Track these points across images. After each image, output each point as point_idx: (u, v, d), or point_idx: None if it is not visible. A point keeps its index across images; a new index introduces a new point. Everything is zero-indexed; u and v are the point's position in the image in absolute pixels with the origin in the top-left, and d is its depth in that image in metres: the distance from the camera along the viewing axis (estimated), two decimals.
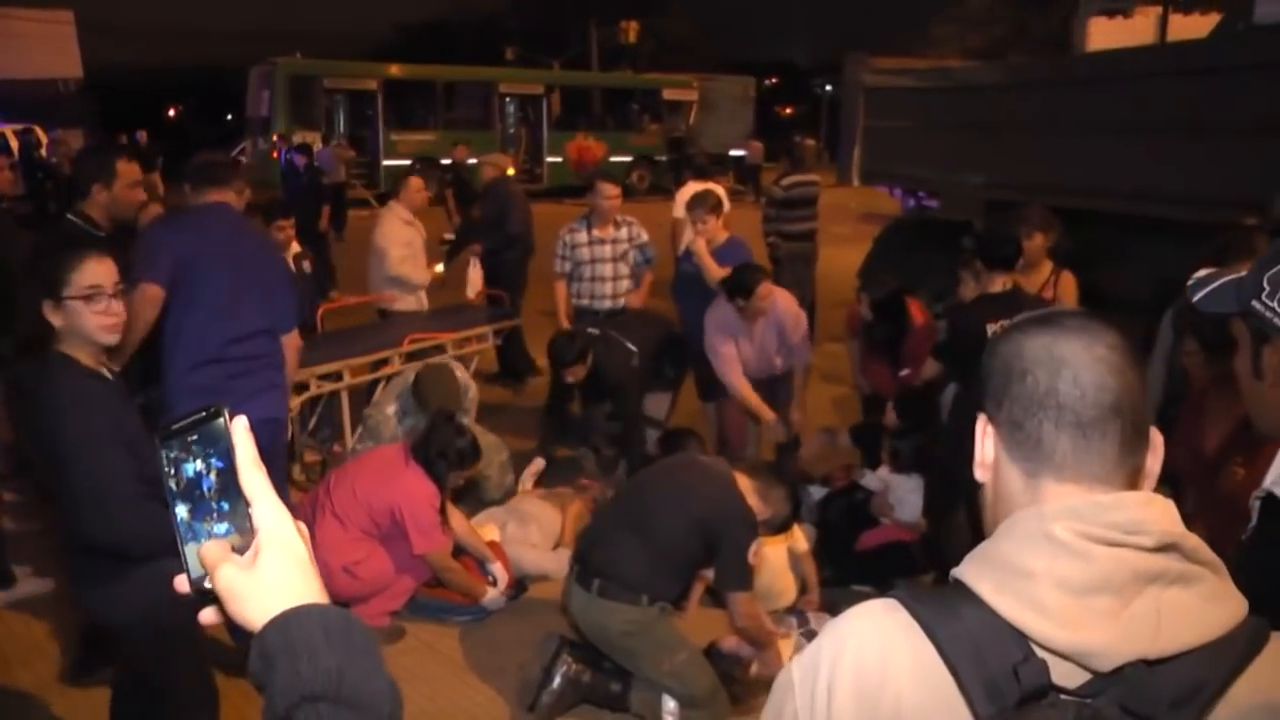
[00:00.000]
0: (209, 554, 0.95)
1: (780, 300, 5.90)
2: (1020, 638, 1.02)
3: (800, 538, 5.06)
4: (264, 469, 0.97)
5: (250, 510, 0.96)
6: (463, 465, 4.84)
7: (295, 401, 6.14)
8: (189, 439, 0.97)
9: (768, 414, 5.86)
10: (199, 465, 0.97)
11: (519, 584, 5.11)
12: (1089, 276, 5.74)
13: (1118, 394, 1.11)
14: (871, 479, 5.72)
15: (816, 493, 5.99)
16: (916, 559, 5.35)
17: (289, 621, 0.92)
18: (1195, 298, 1.72)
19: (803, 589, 5.07)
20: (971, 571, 1.10)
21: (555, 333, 6.21)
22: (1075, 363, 1.11)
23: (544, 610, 4.88)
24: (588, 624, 4.04)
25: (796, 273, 9.45)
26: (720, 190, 9.04)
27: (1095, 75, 7.50)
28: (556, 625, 4.53)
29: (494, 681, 4.31)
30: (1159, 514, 1.06)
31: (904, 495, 5.47)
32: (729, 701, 4.08)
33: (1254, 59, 6.04)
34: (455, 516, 4.98)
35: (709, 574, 4.31)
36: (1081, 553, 1.03)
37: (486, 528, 5.26)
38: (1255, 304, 1.59)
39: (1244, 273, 1.64)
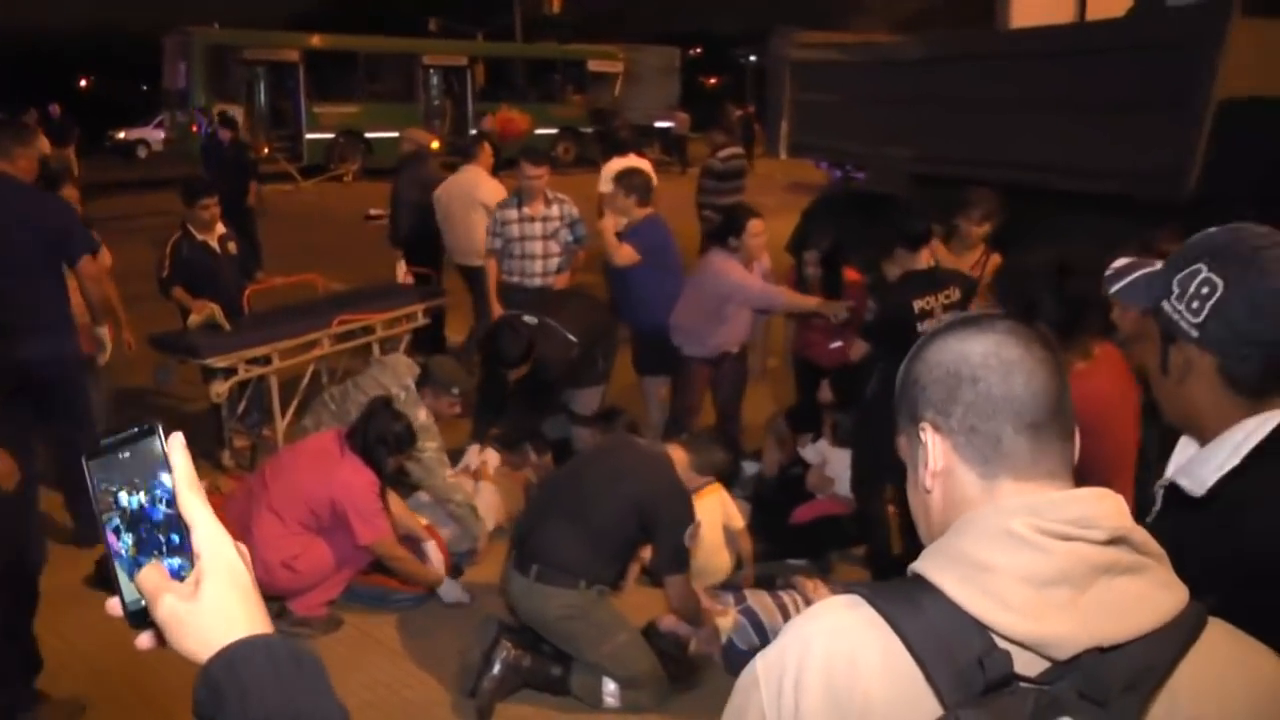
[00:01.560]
0: (147, 581, 0.92)
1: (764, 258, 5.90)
2: (983, 630, 1.05)
3: (736, 514, 5.12)
4: (202, 491, 0.94)
5: (189, 534, 0.93)
6: (400, 450, 4.79)
7: (222, 386, 6.06)
8: (120, 456, 0.94)
9: (832, 305, 5.59)
10: (132, 486, 0.93)
11: (455, 567, 5.11)
12: (1008, 250, 5.86)
13: (1060, 394, 1.17)
14: (811, 451, 5.80)
15: (750, 468, 6.06)
16: (849, 532, 5.44)
17: (235, 655, 0.90)
18: (1113, 288, 1.78)
19: (738, 564, 5.14)
20: (932, 566, 1.13)
21: (497, 324, 5.90)
22: (1023, 366, 1.16)
23: (481, 594, 4.88)
24: (526, 609, 4.06)
25: None
26: (647, 166, 9.05)
27: (1014, 51, 7.59)
28: (493, 609, 4.55)
29: (433, 668, 4.31)
30: (1110, 509, 1.11)
31: (842, 470, 5.55)
32: (669, 680, 4.14)
33: (1168, 38, 6.16)
34: (392, 500, 4.96)
35: (646, 552, 4.35)
36: (1040, 547, 1.07)
37: (422, 514, 5.23)
38: (1165, 305, 1.66)
39: (1159, 266, 1.70)
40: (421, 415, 5.22)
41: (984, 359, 1.18)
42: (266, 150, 20.99)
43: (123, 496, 0.94)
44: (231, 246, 6.85)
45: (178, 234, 6.58)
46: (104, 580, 4.69)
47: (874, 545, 5.14)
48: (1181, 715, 1.07)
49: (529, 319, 5.79)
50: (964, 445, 1.19)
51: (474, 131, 24.09)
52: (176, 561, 0.94)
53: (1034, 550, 1.07)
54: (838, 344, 5.85)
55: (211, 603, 0.92)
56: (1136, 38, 6.53)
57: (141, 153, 30.29)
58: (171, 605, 0.92)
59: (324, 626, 4.54)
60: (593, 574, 3.97)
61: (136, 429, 0.95)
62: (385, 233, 9.48)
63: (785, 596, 4.53)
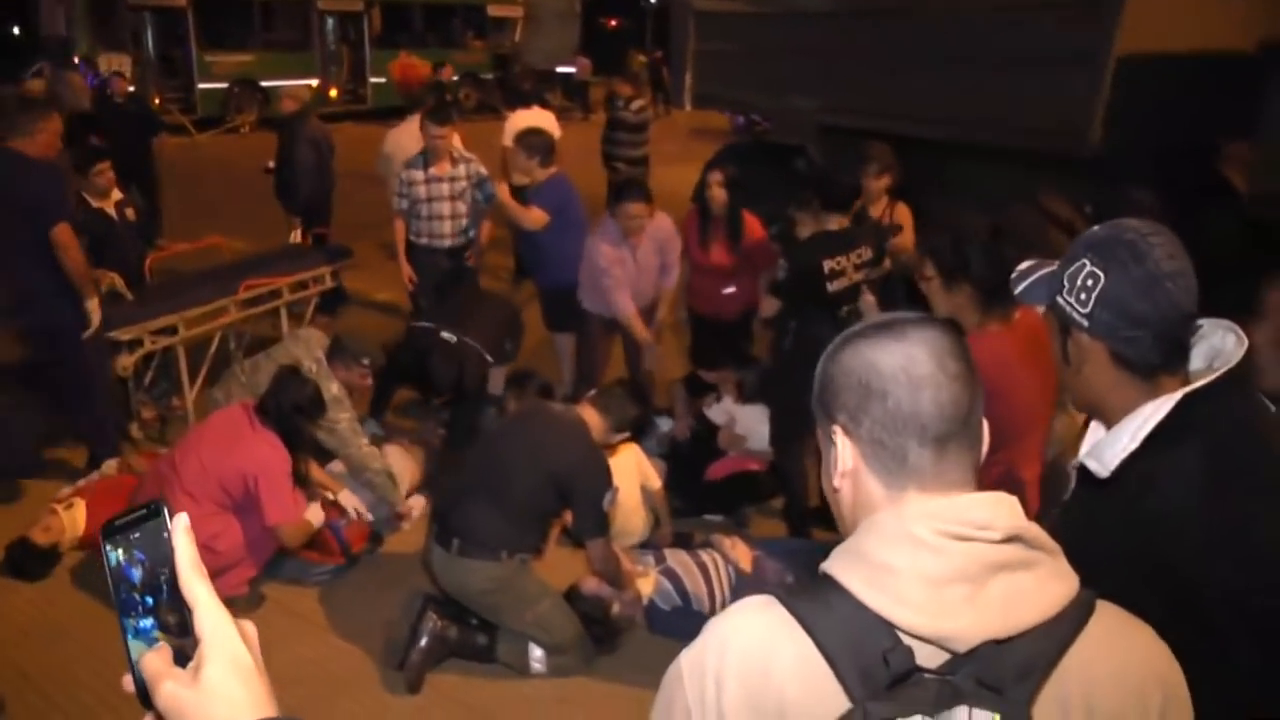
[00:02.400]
0: (149, 667, 0.92)
1: (660, 218, 5.92)
2: (888, 627, 1.12)
3: (652, 474, 5.19)
4: (205, 573, 0.93)
5: (192, 617, 0.92)
6: (313, 416, 4.75)
7: (129, 360, 5.92)
8: (131, 537, 0.93)
9: (648, 339, 5.91)
10: (140, 566, 0.93)
11: (374, 536, 5.10)
12: (915, 202, 5.97)
13: (968, 406, 1.22)
14: (716, 411, 5.88)
15: (664, 424, 6.13)
16: (764, 486, 5.55)
17: None
18: (1017, 290, 1.89)
19: (655, 522, 5.22)
20: (840, 567, 1.19)
21: (424, 337, 5.85)
22: (933, 383, 1.21)
23: (399, 565, 4.91)
24: (449, 582, 4.09)
25: None
26: (551, 119, 8.97)
27: (920, 5, 7.65)
28: (414, 580, 4.58)
29: (359, 642, 4.32)
30: (1005, 511, 1.18)
31: (752, 425, 5.65)
32: (593, 643, 4.21)
33: None
34: (313, 467, 4.95)
35: (566, 514, 4.39)
36: (938, 548, 1.14)
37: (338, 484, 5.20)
38: (1058, 299, 1.79)
39: (1055, 266, 1.81)
40: (334, 388, 5.17)
41: (894, 373, 1.22)
42: (158, 102, 20.21)
43: (134, 573, 0.93)
44: (130, 212, 6.67)
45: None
46: (14, 568, 4.64)
47: (791, 499, 5.25)
48: (1072, 697, 1.15)
49: (448, 336, 5.80)
50: (871, 456, 1.25)
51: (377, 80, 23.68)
52: (164, 631, 0.93)
53: (933, 552, 1.14)
54: (730, 289, 5.91)
55: (212, 688, 0.90)
56: None
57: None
58: (172, 691, 0.91)
59: (246, 605, 4.49)
60: (513, 544, 4.01)
61: (145, 509, 0.93)
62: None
63: (705, 556, 4.62)
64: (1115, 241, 1.72)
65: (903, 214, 5.85)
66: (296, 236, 8.28)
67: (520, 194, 6.72)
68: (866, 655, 1.12)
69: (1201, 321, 1.78)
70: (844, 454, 1.28)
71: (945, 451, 1.21)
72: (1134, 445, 1.71)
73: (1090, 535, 1.73)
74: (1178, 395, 1.69)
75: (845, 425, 1.27)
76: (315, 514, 4.69)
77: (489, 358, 5.91)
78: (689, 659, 1.26)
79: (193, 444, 4.54)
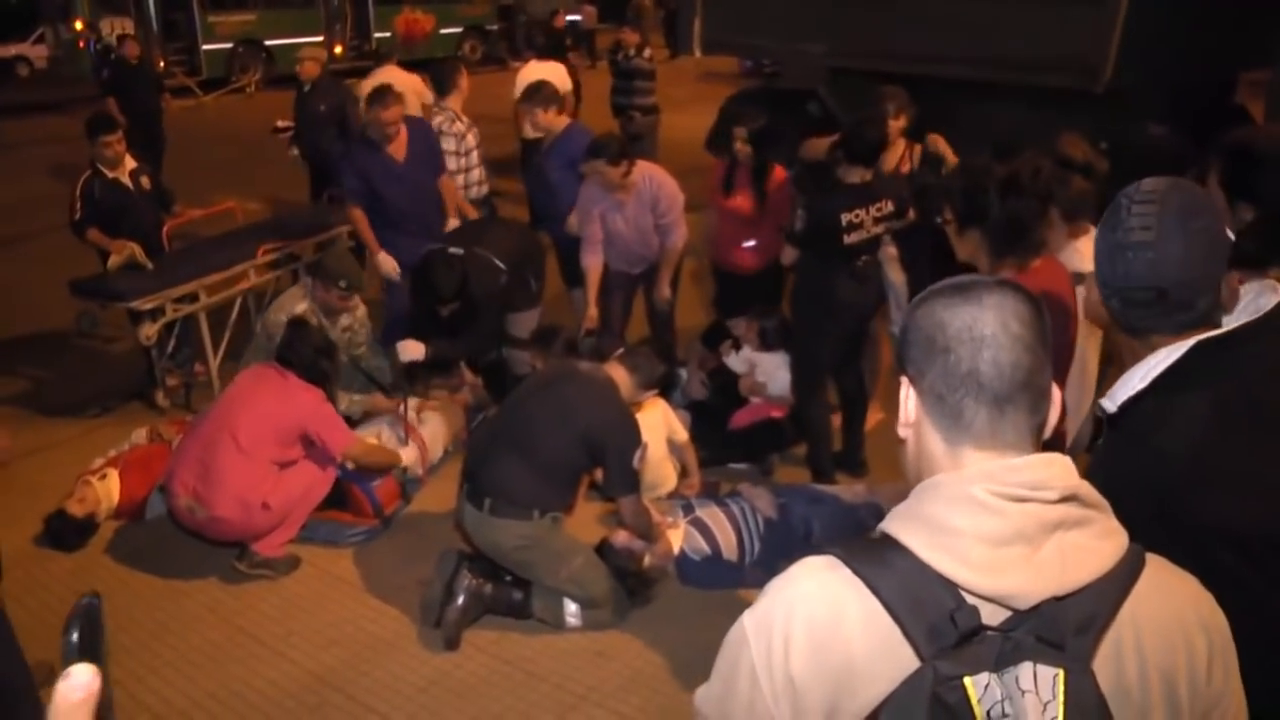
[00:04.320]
0: None
1: (655, 174, 5.77)
2: (950, 586, 1.16)
3: (679, 427, 5.21)
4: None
5: None
6: (331, 357, 4.96)
7: (151, 329, 5.97)
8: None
9: (592, 316, 5.81)
10: None
11: (402, 494, 5.16)
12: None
13: (1030, 370, 1.25)
14: (736, 360, 5.89)
15: (687, 375, 6.15)
16: (786, 433, 5.58)
17: None
18: None
19: (682, 473, 5.26)
20: (902, 528, 1.23)
21: (426, 258, 5.59)
22: (994, 343, 1.24)
23: (431, 524, 4.97)
24: (482, 540, 4.14)
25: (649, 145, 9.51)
26: (561, 71, 8.92)
27: None
28: (445, 539, 4.64)
29: (395, 601, 4.39)
30: (1060, 471, 1.22)
31: (772, 371, 5.66)
32: (627, 596, 4.27)
33: None
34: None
35: (596, 471, 4.43)
36: (998, 509, 1.18)
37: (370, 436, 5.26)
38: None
39: None
40: (344, 320, 5.60)
41: (958, 332, 1.25)
42: (162, 65, 20.07)
43: None
44: (145, 181, 6.65)
45: (87, 173, 6.36)
46: (53, 539, 4.72)
47: (814, 446, 5.28)
48: (1128, 648, 1.20)
49: (455, 250, 5.57)
50: (932, 408, 1.29)
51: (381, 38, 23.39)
52: None
53: (993, 513, 1.18)
54: (750, 243, 5.87)
55: None
56: None
57: (23, 71, 28.73)
58: None
59: (284, 567, 4.58)
60: (544, 503, 4.05)
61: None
62: (295, 160, 9.28)
63: (733, 505, 4.66)
64: (1114, 203, 1.78)
65: (939, 143, 5.81)
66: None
67: (534, 147, 6.67)
68: (932, 614, 1.16)
69: (1248, 285, 1.81)
70: (909, 404, 1.33)
71: (1003, 412, 1.24)
72: (1142, 385, 1.77)
73: (1106, 474, 1.77)
74: (1190, 342, 1.73)
75: (913, 377, 1.32)
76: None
77: (500, 264, 5.61)
78: (754, 620, 1.29)
79: (235, 405, 4.63)
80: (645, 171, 5.76)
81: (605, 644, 4.11)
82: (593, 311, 5.82)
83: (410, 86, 8.58)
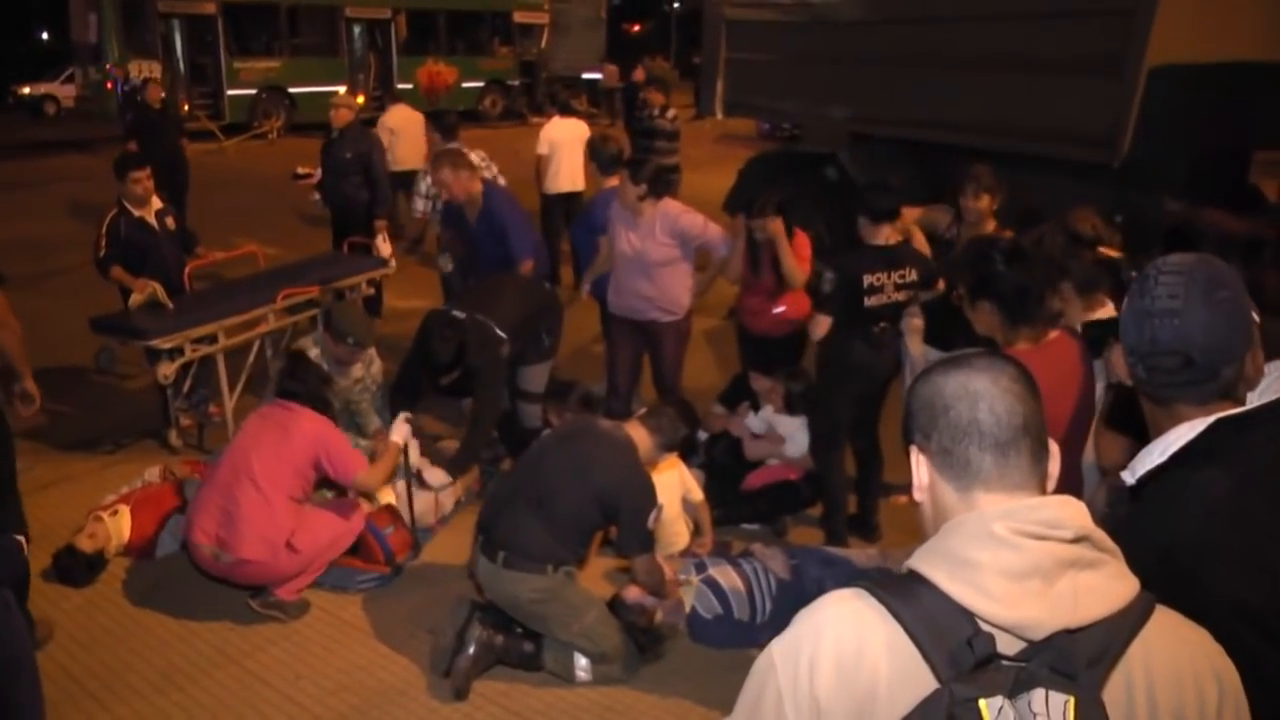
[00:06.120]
0: None
1: (673, 209, 5.71)
2: (969, 616, 1.25)
3: (694, 486, 5.20)
4: None
5: None
6: (330, 384, 5.17)
7: (169, 368, 5.99)
8: None
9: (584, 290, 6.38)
10: None
11: (414, 545, 5.13)
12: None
13: (1025, 417, 1.38)
14: (755, 421, 5.88)
15: (703, 435, 6.13)
16: (802, 494, 5.57)
17: None
18: None
19: (696, 531, 5.24)
20: (925, 563, 1.32)
21: (426, 323, 5.54)
22: (989, 394, 1.38)
23: (441, 574, 4.96)
24: (496, 592, 4.13)
25: None
26: (584, 129, 9.14)
27: (951, 12, 7.67)
28: (457, 588, 4.63)
29: (405, 648, 4.36)
30: (1074, 513, 1.31)
31: (792, 433, 5.65)
32: (637, 652, 4.24)
33: (1104, 4, 6.28)
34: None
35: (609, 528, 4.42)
36: (1016, 545, 1.27)
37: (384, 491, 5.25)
38: None
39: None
40: (357, 370, 5.73)
41: (954, 391, 1.40)
42: (186, 108, 20.36)
43: None
44: (170, 221, 6.73)
45: (114, 210, 6.45)
46: (62, 574, 4.71)
47: (830, 507, 5.27)
48: (1138, 687, 1.28)
49: (458, 314, 5.47)
50: (942, 464, 1.41)
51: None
52: None
53: (1012, 549, 1.27)
54: (780, 309, 5.86)
55: None
56: (1076, 1, 6.64)
57: (50, 109, 29.15)
58: None
59: (295, 610, 4.55)
60: (558, 558, 4.05)
61: None
62: (316, 205, 9.42)
63: (746, 565, 4.64)
64: (1142, 274, 1.85)
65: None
66: (381, 243, 8.33)
67: (558, 201, 6.73)
68: (951, 641, 1.24)
69: (1270, 365, 1.85)
70: (919, 471, 1.44)
71: (1007, 456, 1.36)
72: (1161, 460, 1.81)
73: (1125, 545, 1.78)
74: (1210, 419, 1.77)
75: (920, 444, 1.44)
76: (399, 432, 5.00)
77: (501, 333, 5.46)
78: (781, 647, 1.37)
79: (248, 448, 4.63)
80: (666, 209, 5.70)
81: (615, 699, 4.08)
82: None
83: (418, 124, 9.98)
